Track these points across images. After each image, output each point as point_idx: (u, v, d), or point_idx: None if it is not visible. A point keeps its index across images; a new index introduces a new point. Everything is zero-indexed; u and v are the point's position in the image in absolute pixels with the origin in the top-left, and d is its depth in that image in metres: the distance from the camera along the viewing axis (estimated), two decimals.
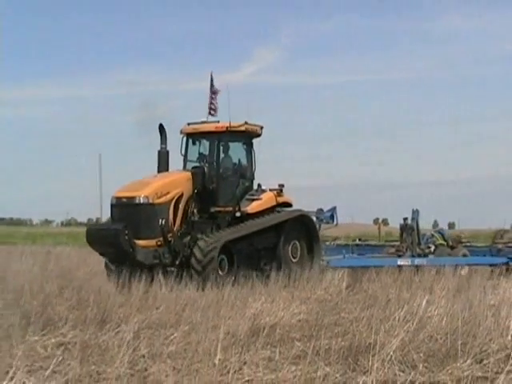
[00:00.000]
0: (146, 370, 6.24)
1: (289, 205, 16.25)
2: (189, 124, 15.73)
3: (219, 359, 6.15)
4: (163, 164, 15.11)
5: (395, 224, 24.88)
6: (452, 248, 20.61)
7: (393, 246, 21.20)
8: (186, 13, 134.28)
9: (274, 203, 15.62)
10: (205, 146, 15.89)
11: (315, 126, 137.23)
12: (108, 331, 7.77)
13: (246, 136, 16.02)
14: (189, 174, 14.92)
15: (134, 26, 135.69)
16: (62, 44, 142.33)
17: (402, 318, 8.05)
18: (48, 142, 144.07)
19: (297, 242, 15.63)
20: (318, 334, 7.60)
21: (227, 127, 15.12)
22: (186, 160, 15.77)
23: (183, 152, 15.69)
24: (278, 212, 15.66)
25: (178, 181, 14.63)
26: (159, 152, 15.13)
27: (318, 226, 19.04)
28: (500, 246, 20.74)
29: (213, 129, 15.51)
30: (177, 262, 13.58)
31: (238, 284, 12.64)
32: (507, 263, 19.17)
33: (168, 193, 13.99)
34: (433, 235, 21.30)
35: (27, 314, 8.51)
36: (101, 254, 14.53)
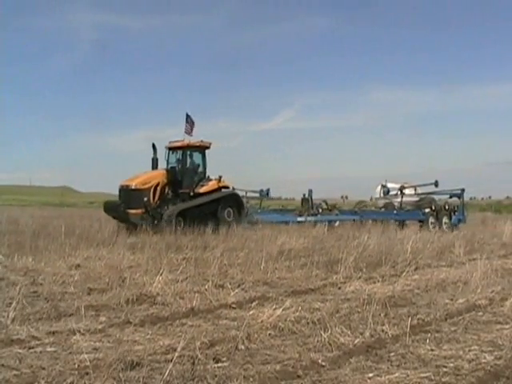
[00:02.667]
0: (226, 271, 11.85)
1: (227, 187, 25.17)
2: (170, 142, 24.97)
3: (263, 266, 12.15)
4: (154, 166, 24.25)
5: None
6: (330, 210, 31.46)
7: (292, 210, 33.29)
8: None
9: (216, 186, 24.59)
10: (178, 155, 24.78)
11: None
12: (207, 252, 14.30)
13: (201, 149, 25.22)
14: (164, 171, 24.15)
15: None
16: None
17: (355, 245, 14.63)
18: None
19: (230, 209, 24.48)
20: (312, 253, 14.19)
21: (187, 144, 24.61)
22: (168, 163, 24.91)
23: (165, 158, 24.92)
24: (220, 191, 24.58)
25: (156, 175, 23.74)
26: (152, 159, 24.25)
27: (260, 200, 35.09)
28: (356, 209, 32.90)
29: (180, 145, 24.76)
30: (155, 222, 21.88)
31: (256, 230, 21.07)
32: (360, 219, 29.10)
33: (150, 182, 23.11)
34: (320, 204, 32.14)
35: (168, 244, 15.13)
36: (112, 217, 23.79)
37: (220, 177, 24.91)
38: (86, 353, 5.75)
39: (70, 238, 16.94)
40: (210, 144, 25.31)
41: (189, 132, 24.96)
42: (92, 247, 15.32)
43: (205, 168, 25.44)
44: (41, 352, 6.03)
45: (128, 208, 22.35)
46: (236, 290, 9.61)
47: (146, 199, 22.55)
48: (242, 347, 6.22)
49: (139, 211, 22.31)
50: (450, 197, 32.32)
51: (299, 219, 28.19)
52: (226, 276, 11.35)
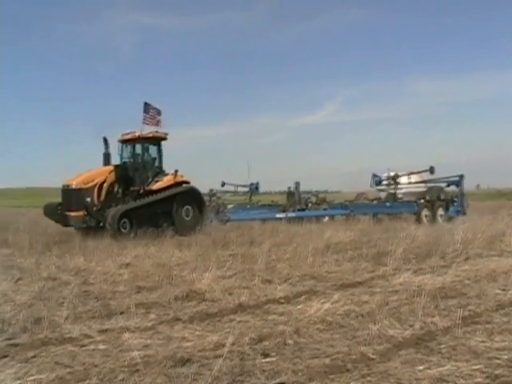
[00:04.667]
0: (274, 266, 11.88)
1: (186, 182, 22.38)
2: (122, 134, 22.16)
3: (310, 260, 12.16)
4: (106, 162, 21.58)
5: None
6: (318, 204, 29.85)
7: (280, 206, 30.86)
8: None
9: (173, 182, 21.84)
10: (131, 148, 22.14)
11: None
12: (254, 247, 14.34)
13: (155, 140, 22.45)
14: (111, 167, 21.40)
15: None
16: None
17: (403, 237, 14.44)
18: None
19: (189, 207, 21.92)
20: (360, 246, 14.07)
21: (139, 136, 21.87)
22: (121, 158, 22.23)
23: (118, 153, 22.20)
24: (176, 187, 21.78)
25: (101, 172, 21.00)
26: (104, 154, 21.63)
27: (250, 194, 33.59)
28: (346, 203, 29.94)
29: (130, 137, 22.01)
30: (101, 225, 19.77)
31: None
32: (350, 213, 27.74)
33: (93, 180, 20.41)
34: (309, 197, 30.66)
35: (215, 240, 15.24)
36: (54, 221, 21.26)
37: (176, 171, 22.18)
38: (137, 350, 5.82)
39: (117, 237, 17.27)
40: (166, 135, 22.61)
41: (153, 123, 22.35)
42: (140, 246, 15.51)
43: (161, 162, 22.85)
44: (93, 350, 6.13)
45: (68, 210, 20.14)
46: (284, 285, 9.63)
47: (88, 200, 20.07)
48: (291, 342, 6.22)
49: (80, 213, 19.90)
50: (448, 185, 28.42)
51: (278, 216, 26.31)
52: (273, 271, 11.37)
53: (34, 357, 5.93)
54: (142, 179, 21.75)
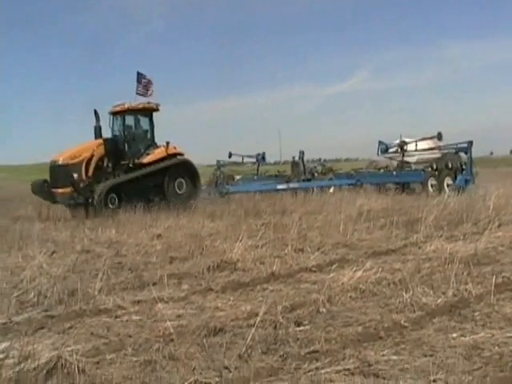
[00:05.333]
0: (305, 235, 11.89)
1: (180, 154, 21.74)
2: (113, 106, 21.32)
3: (342, 228, 12.12)
4: (98, 135, 20.72)
5: None
6: (324, 174, 28.91)
7: (284, 176, 29.82)
8: None
9: (165, 154, 21.06)
10: (121, 120, 21.36)
11: None
12: (286, 216, 14.36)
13: (146, 112, 21.68)
14: (100, 141, 20.54)
15: None
16: None
17: (435, 204, 14.30)
18: None
19: (182, 180, 21.24)
20: (392, 214, 14.03)
21: (128, 107, 21.07)
22: (112, 131, 21.48)
23: (109, 126, 21.42)
24: (168, 160, 21.13)
25: (88, 147, 20.20)
26: (95, 127, 20.74)
27: (257, 165, 32.39)
28: (352, 172, 28.94)
29: (119, 109, 21.15)
30: (89, 201, 19.02)
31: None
32: (356, 183, 26.36)
33: (80, 155, 19.61)
34: (315, 167, 29.81)
35: (247, 210, 15.29)
36: (42, 198, 20.28)
37: (167, 142, 21.29)
38: (170, 320, 5.87)
39: (150, 209, 17.38)
40: (158, 106, 21.79)
41: (144, 93, 21.55)
42: (172, 217, 15.60)
43: (152, 134, 22.03)
44: (127, 320, 6.21)
45: (55, 187, 19.40)
46: (316, 254, 9.62)
47: (75, 176, 19.22)
48: (324, 310, 6.22)
49: (67, 190, 19.13)
50: (456, 152, 25.58)
51: (279, 187, 25.06)
52: (305, 240, 11.36)
53: (70, 328, 6.02)
54: (133, 152, 21.07)
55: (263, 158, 32.51)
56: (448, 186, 23.97)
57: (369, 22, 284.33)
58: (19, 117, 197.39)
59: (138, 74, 21.48)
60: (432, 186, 24.40)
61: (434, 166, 25.01)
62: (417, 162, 27.15)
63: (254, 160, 32.85)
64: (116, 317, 6.37)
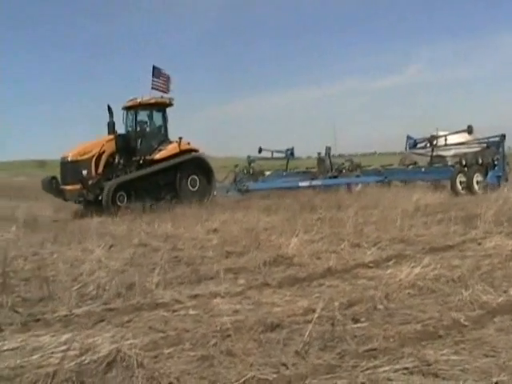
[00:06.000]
0: (361, 230, 11.83)
1: (194, 150, 21.08)
2: (127, 101, 20.80)
3: (399, 223, 11.97)
4: (111, 131, 20.20)
5: None
6: (351, 171, 27.29)
7: (311, 173, 28.78)
8: None
9: (178, 150, 20.41)
10: (133, 115, 20.84)
11: None
12: (341, 211, 14.27)
13: (159, 107, 21.11)
14: (111, 137, 20.00)
15: None
16: None
17: (494, 200, 14.02)
18: None
19: (195, 177, 20.57)
20: (449, 209, 13.81)
21: (139, 102, 20.55)
22: (126, 126, 20.93)
23: (123, 121, 20.91)
24: (181, 156, 20.43)
25: (98, 143, 19.64)
26: (108, 123, 20.24)
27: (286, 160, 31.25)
28: (380, 168, 27.07)
29: (131, 104, 20.66)
30: (100, 198, 18.45)
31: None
32: (383, 180, 24.99)
33: (90, 151, 19.14)
34: (343, 163, 28.21)
35: (302, 205, 15.30)
36: (54, 196, 19.94)
37: (180, 138, 20.74)
38: (227, 315, 5.90)
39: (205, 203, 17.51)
40: (171, 100, 21.21)
41: (162, 88, 20.97)
42: (228, 211, 15.67)
43: (166, 130, 21.53)
44: (184, 315, 6.25)
45: (65, 184, 19.04)
46: (372, 249, 9.53)
47: (85, 172, 18.84)
48: (381, 307, 6.16)
49: (76, 187, 18.70)
50: (488, 147, 23.33)
51: (301, 184, 23.93)
52: (361, 235, 11.27)
53: (128, 321, 6.10)
54: (145, 148, 20.61)
55: (292, 153, 31.59)
56: (478, 183, 21.85)
57: (423, 13, 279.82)
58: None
59: (154, 68, 20.85)
60: (461, 183, 22.05)
61: (464, 162, 22.94)
62: (455, 156, 25.52)
63: (283, 155, 32.01)
64: (173, 311, 6.42)
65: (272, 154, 32.15)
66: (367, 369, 4.45)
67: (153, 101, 20.75)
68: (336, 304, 6.14)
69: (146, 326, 5.87)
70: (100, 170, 19.28)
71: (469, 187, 21.18)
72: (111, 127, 20.16)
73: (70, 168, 18.94)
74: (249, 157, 32.03)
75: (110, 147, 19.80)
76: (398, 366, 4.46)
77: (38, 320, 6.29)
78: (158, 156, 20.24)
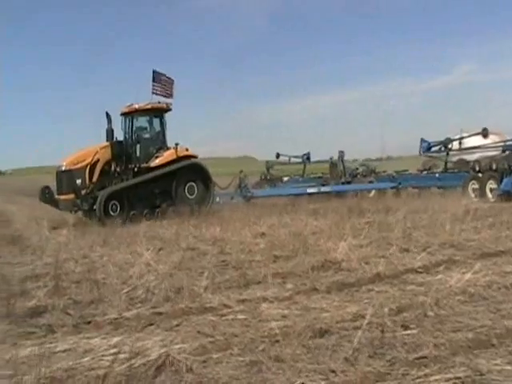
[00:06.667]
0: (410, 234, 11.66)
1: (192, 156, 20.24)
2: (124, 107, 20.14)
3: (448, 228, 11.82)
4: (109, 138, 19.42)
5: None
6: (364, 176, 26.23)
7: (322, 178, 27.87)
8: None
9: (175, 157, 19.56)
10: (129, 121, 20.15)
11: None
12: (390, 215, 14.18)
13: (155, 112, 20.34)
14: (106, 144, 19.33)
15: None
16: None
17: None
18: None
19: (193, 184, 19.71)
20: (500, 213, 13.61)
21: (136, 108, 19.89)
22: (124, 133, 20.13)
23: (122, 128, 20.17)
24: (177, 163, 19.55)
25: (93, 151, 18.96)
26: (106, 130, 19.45)
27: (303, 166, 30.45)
28: (394, 174, 26.08)
29: (127, 110, 20.02)
30: (94, 207, 17.91)
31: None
32: (396, 186, 24.13)
33: (84, 160, 18.57)
34: (357, 168, 27.12)
35: (350, 208, 15.28)
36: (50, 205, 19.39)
37: (176, 144, 19.95)
38: (275, 320, 5.90)
39: (253, 207, 17.47)
40: (169, 105, 20.44)
41: (164, 93, 20.36)
42: (275, 215, 15.66)
43: (164, 136, 20.57)
44: (232, 319, 6.26)
45: (60, 193, 18.65)
46: (422, 254, 9.43)
47: (79, 181, 18.31)
48: (431, 314, 6.07)
49: (70, 196, 18.28)
50: (503, 151, 21.63)
51: (309, 191, 23.41)
52: (410, 239, 11.15)
53: (177, 325, 6.15)
54: (141, 155, 19.87)
55: (308, 158, 30.44)
56: (492, 190, 20.14)
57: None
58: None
59: (154, 72, 20.24)
60: (474, 190, 20.73)
61: (477, 167, 21.35)
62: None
63: (299, 160, 31.07)
64: (221, 315, 6.44)
65: (289, 159, 31.58)
66: (418, 377, 4.38)
67: (149, 106, 20.12)
68: (385, 310, 6.08)
69: (195, 331, 5.89)
70: (95, 178, 18.77)
71: (482, 195, 19.93)
72: (110, 134, 19.50)
73: (65, 177, 18.55)
74: (267, 162, 31.85)
75: (105, 155, 19.26)
76: (449, 376, 4.38)
77: (89, 322, 6.41)
78: (154, 163, 19.62)
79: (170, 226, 15.02)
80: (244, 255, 10.18)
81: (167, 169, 19.33)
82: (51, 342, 5.63)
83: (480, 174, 20.86)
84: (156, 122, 20.50)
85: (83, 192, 18.19)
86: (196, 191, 19.74)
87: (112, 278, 8.45)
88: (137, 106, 19.89)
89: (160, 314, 6.64)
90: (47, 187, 19.03)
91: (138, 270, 8.76)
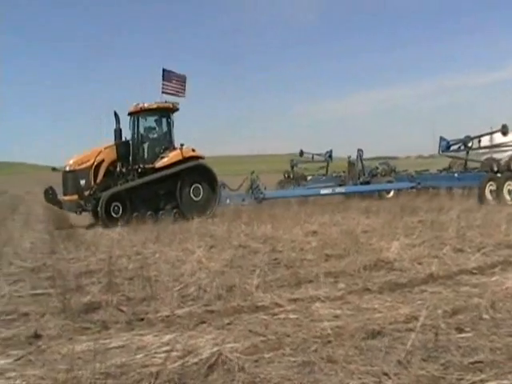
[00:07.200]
0: (464, 234, 11.49)
1: (199, 157, 19.76)
2: (131, 107, 19.82)
3: (504, 228, 11.62)
4: (118, 138, 19.26)
5: None
6: (384, 176, 25.02)
7: (339, 177, 26.99)
8: None
9: (180, 157, 19.16)
10: (135, 121, 19.78)
11: None
12: (443, 214, 13.96)
13: (162, 112, 19.95)
14: (111, 144, 19.13)
15: None
16: None
17: None
18: None
19: (198, 186, 19.32)
20: None
21: (141, 108, 19.53)
22: (132, 133, 19.78)
23: (129, 127, 19.85)
24: (182, 164, 19.18)
25: (97, 151, 18.80)
26: (114, 130, 19.27)
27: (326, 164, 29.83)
28: (413, 174, 24.85)
29: (133, 109, 19.68)
30: (98, 209, 17.71)
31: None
32: (415, 187, 22.78)
33: (88, 161, 18.44)
34: (377, 167, 25.78)
35: (402, 207, 15.15)
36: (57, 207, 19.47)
37: (182, 145, 19.64)
38: (327, 320, 5.86)
39: (304, 205, 17.42)
40: (175, 105, 20.04)
41: (175, 92, 20.08)
42: (327, 213, 15.60)
43: (171, 136, 20.19)
44: (284, 319, 6.25)
45: (65, 194, 18.57)
46: (476, 255, 9.28)
47: (83, 182, 18.26)
48: (487, 317, 5.94)
49: (74, 197, 18.21)
50: None
51: (323, 192, 22.30)
52: (464, 239, 10.97)
53: (228, 324, 6.16)
54: (147, 156, 19.65)
55: (330, 156, 29.93)
56: (510, 192, 19.37)
57: None
58: None
59: (164, 71, 19.91)
60: (492, 192, 19.38)
61: (495, 167, 20.08)
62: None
63: (322, 158, 30.55)
64: (273, 314, 6.43)
65: (312, 157, 30.88)
66: (473, 382, 4.30)
67: (155, 106, 19.88)
68: (439, 312, 5.99)
69: (246, 329, 5.90)
70: (99, 179, 18.69)
71: (498, 197, 18.77)
72: (118, 134, 19.36)
73: (70, 178, 18.48)
74: (292, 160, 31.10)
75: (110, 155, 19.14)
76: (505, 382, 4.28)
77: (142, 319, 6.47)
78: (159, 164, 19.32)
79: (221, 223, 15.12)
80: (295, 253, 10.18)
81: (171, 170, 19.07)
82: (105, 338, 5.71)
83: (499, 175, 19.73)
84: (163, 121, 20.25)
85: (86, 193, 18.21)
86: (201, 193, 19.47)
87: (164, 275, 8.54)
88: (141, 106, 19.68)
89: (212, 312, 6.66)
90: (50, 188, 18.95)
91: (189, 267, 8.84)
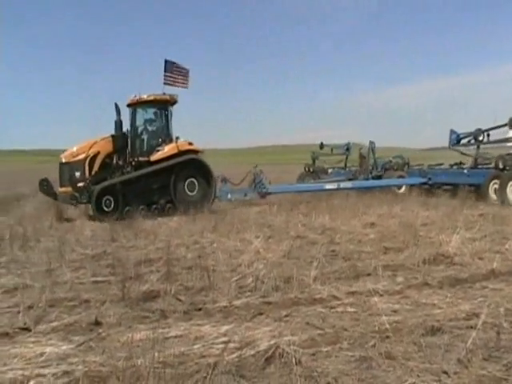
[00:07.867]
0: None
1: (195, 151, 19.18)
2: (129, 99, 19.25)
3: None
4: (118, 130, 18.72)
5: None
6: (396, 170, 23.68)
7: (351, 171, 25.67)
8: None
9: (176, 151, 18.60)
10: (133, 113, 19.23)
11: None
12: (505, 208, 13.63)
13: (159, 104, 19.33)
14: (107, 136, 18.59)
15: None
16: None
17: None
18: None
19: (194, 180, 18.76)
20: None
21: (137, 100, 18.99)
22: (130, 125, 19.20)
23: (129, 119, 19.21)
24: (179, 157, 18.58)
25: (93, 143, 18.36)
26: (115, 122, 18.69)
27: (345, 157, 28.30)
28: (425, 168, 23.51)
29: (130, 101, 19.14)
30: (91, 202, 17.31)
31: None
32: (427, 182, 21.95)
33: (83, 153, 18.05)
34: (391, 161, 24.55)
35: (462, 199, 14.92)
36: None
37: (177, 138, 19.20)
38: (385, 315, 5.81)
39: (363, 196, 17.27)
40: (173, 97, 19.44)
41: (177, 83, 19.45)
42: (385, 205, 15.44)
43: (168, 129, 19.57)
44: (342, 312, 6.22)
45: (61, 185, 18.27)
46: None
47: (78, 174, 17.93)
48: None
49: (68, 189, 17.81)
50: None
51: (327, 187, 21.14)
52: None
53: (286, 316, 6.15)
54: (143, 149, 19.21)
55: (348, 149, 28.46)
56: None
57: None
58: None
59: (167, 62, 19.38)
60: (495, 191, 18.28)
61: (500, 164, 18.62)
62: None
63: (342, 151, 29.07)
64: (331, 307, 6.41)
65: (332, 150, 29.78)
66: None
67: (152, 98, 19.34)
68: (501, 310, 5.88)
69: (304, 322, 5.89)
70: (94, 171, 18.34)
71: (501, 197, 17.64)
72: (118, 126, 18.89)
73: (65, 170, 18.24)
74: (313, 153, 30.28)
75: (106, 147, 18.73)
76: None
77: (200, 309, 6.52)
78: (154, 157, 18.87)
79: (279, 214, 15.11)
80: (353, 245, 10.13)
81: (165, 163, 18.63)
82: (164, 328, 5.77)
83: (506, 172, 18.32)
84: (161, 114, 19.76)
85: (79, 185, 17.82)
86: (197, 188, 19.02)
87: (222, 266, 8.59)
88: (138, 98, 19.28)
89: (269, 303, 6.66)
90: (45, 179, 18.58)
91: (247, 257, 8.87)
